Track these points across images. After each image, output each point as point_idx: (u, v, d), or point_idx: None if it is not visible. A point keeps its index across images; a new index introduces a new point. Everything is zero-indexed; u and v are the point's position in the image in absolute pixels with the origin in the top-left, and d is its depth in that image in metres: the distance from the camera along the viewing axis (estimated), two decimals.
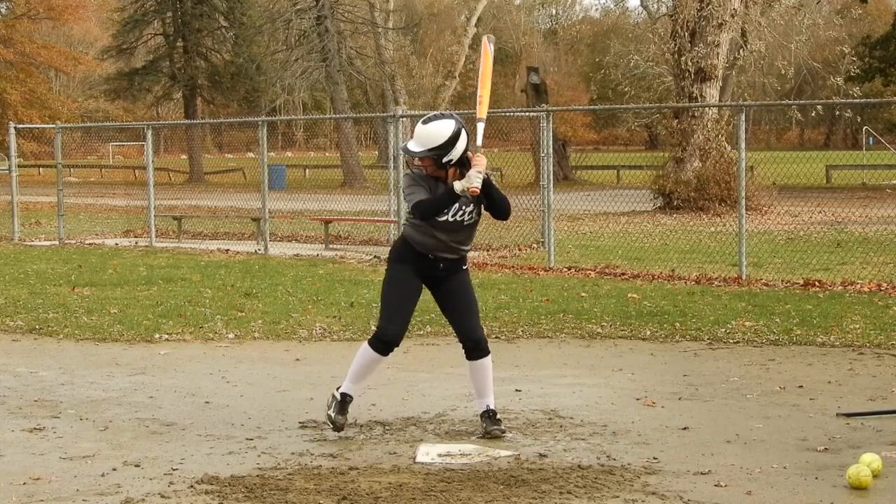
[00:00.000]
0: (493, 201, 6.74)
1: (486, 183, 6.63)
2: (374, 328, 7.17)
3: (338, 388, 6.90)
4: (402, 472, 6.07)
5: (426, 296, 6.95)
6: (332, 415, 6.82)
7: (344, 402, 6.84)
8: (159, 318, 11.42)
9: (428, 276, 6.84)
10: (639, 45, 40.16)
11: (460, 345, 6.93)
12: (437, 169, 6.65)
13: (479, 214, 6.80)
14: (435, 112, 6.85)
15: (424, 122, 6.66)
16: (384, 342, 6.77)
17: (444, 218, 6.65)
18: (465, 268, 6.90)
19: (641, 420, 7.18)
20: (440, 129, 6.58)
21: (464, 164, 6.66)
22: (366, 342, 6.87)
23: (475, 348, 6.83)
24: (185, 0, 52.05)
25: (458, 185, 6.55)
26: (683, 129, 26.84)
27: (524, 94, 46.60)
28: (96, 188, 42.23)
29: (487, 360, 6.86)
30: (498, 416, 6.85)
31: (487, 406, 6.83)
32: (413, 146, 6.64)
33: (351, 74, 46.91)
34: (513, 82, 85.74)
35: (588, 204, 24.06)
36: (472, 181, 6.51)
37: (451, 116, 6.71)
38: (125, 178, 47.37)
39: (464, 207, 6.68)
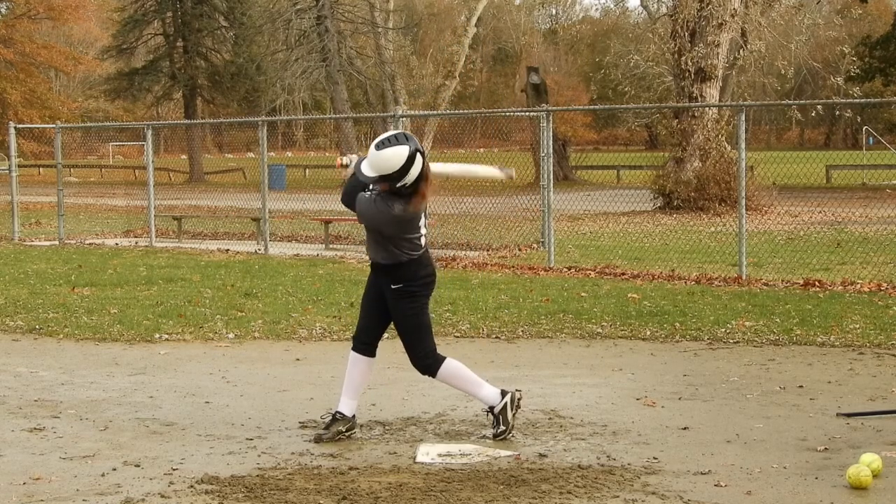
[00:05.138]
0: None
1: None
2: None
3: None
4: (402, 472, 6.07)
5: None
6: (340, 428, 6.77)
7: (343, 417, 6.86)
8: (159, 318, 11.42)
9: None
10: (639, 45, 40.08)
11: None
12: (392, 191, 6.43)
13: (365, 228, 6.69)
14: (389, 133, 6.46)
15: (378, 148, 6.30)
16: (354, 338, 6.91)
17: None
18: (393, 288, 6.63)
19: (641, 420, 7.18)
20: (392, 157, 6.26)
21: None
22: None
23: (425, 373, 6.83)
24: (185, 0, 52.07)
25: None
26: (683, 129, 26.83)
27: (524, 94, 46.61)
28: (96, 188, 42.26)
29: (443, 374, 6.75)
30: (496, 410, 6.75)
31: (487, 408, 6.81)
32: (367, 169, 6.36)
33: (351, 74, 46.93)
34: (513, 82, 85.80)
35: (588, 204, 24.06)
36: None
37: (405, 140, 6.32)
38: (125, 178, 47.40)
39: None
